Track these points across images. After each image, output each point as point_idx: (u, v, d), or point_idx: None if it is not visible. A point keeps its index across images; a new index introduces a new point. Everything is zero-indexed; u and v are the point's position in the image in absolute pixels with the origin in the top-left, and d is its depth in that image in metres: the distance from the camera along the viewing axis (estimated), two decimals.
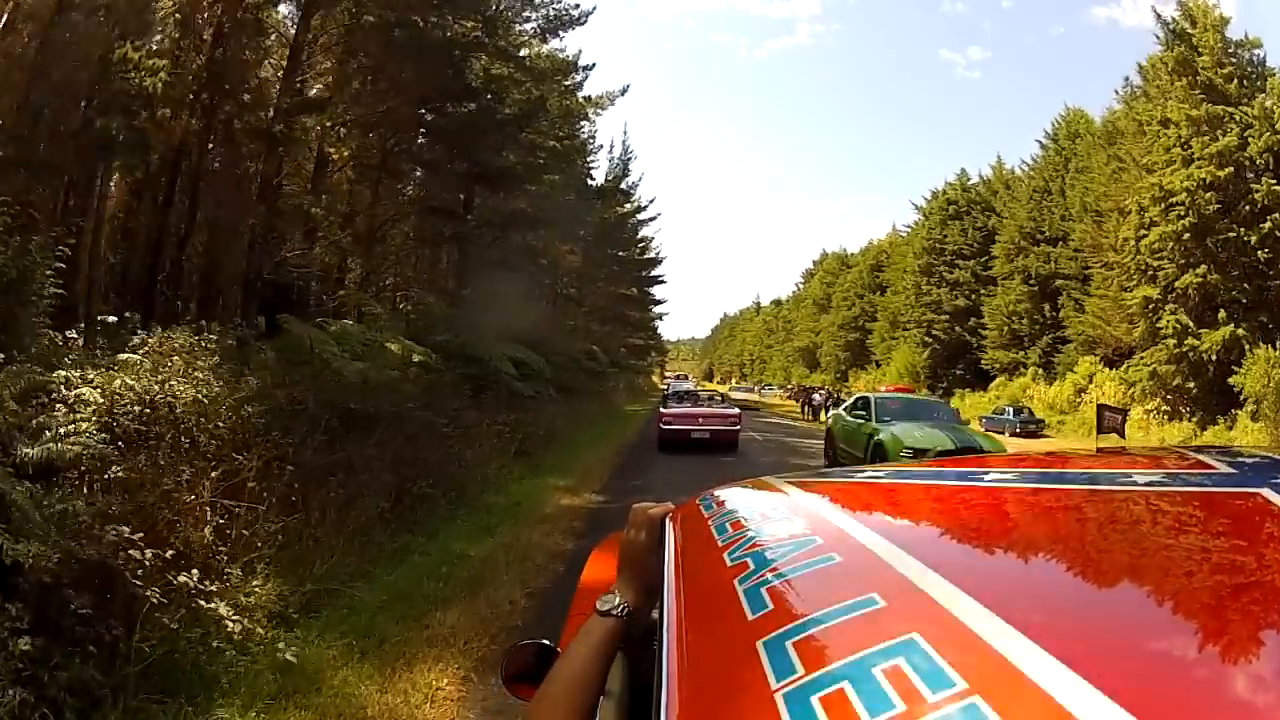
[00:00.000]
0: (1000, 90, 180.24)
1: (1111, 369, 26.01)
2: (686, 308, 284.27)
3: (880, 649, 0.41)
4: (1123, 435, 20.14)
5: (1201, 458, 0.87)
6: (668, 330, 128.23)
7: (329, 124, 14.45)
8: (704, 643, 0.56)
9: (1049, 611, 0.47)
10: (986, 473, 0.95)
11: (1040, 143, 33.51)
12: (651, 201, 46.74)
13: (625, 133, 43.89)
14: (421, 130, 14.34)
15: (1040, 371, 29.43)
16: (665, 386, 32.66)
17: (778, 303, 78.50)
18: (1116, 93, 26.95)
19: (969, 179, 37.45)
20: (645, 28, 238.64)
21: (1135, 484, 0.81)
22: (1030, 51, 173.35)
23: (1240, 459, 0.88)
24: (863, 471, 1.11)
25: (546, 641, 1.09)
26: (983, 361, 32.73)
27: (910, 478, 1.09)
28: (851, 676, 0.40)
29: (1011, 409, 22.19)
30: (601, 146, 34.45)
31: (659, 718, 0.48)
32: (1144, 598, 0.50)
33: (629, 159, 39.04)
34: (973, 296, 34.09)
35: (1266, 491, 0.63)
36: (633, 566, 0.85)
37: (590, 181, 19.42)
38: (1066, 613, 0.47)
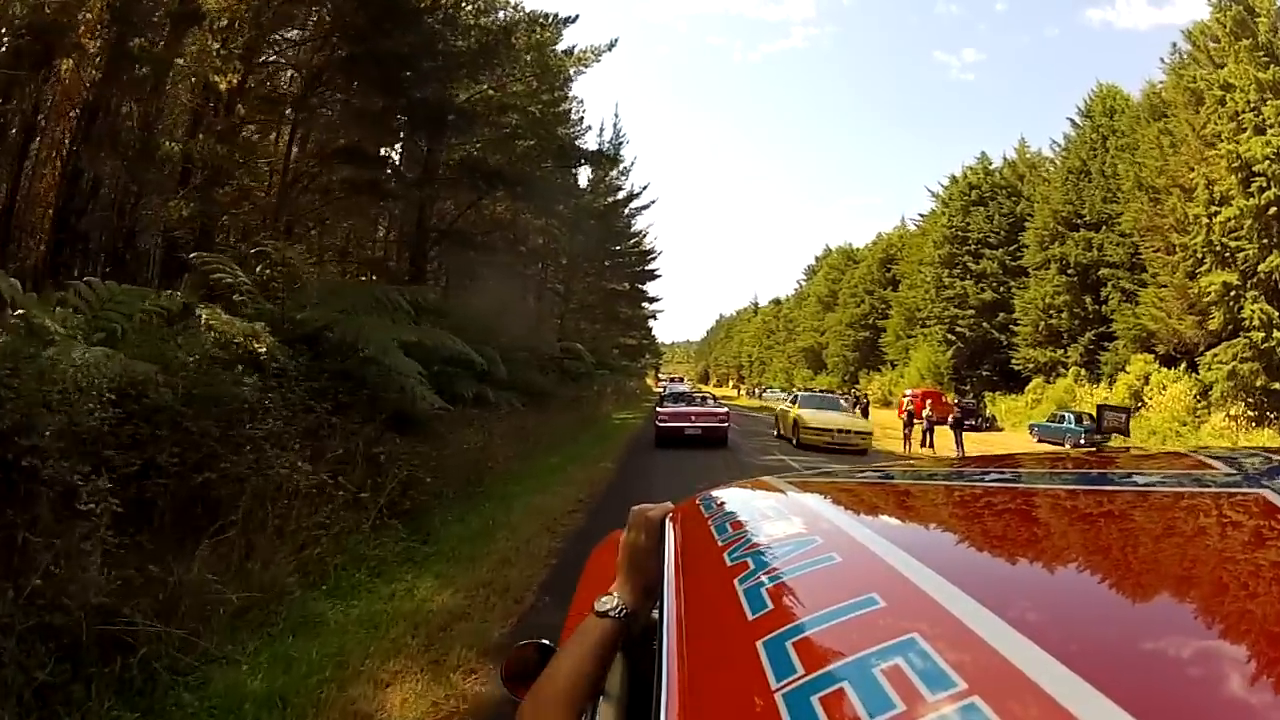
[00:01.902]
0: (995, 92, 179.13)
1: (1169, 368, 22.86)
2: (681, 310, 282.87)
3: (880, 649, 0.41)
4: (1127, 434, 17.23)
5: (1202, 459, 0.88)
6: (662, 333, 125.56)
7: (216, 46, 10.82)
8: (704, 643, 0.55)
9: (1049, 611, 0.46)
10: (987, 473, 0.96)
11: (1073, 121, 30.28)
12: (645, 188, 43.31)
13: (616, 114, 40.62)
14: (345, 59, 10.94)
15: (1083, 372, 26.19)
16: (661, 388, 31.18)
17: (777, 302, 74.93)
18: (1163, 60, 23.89)
19: (990, 163, 34.29)
20: (640, 30, 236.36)
21: (1136, 485, 0.81)
22: (1025, 53, 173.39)
23: (1241, 460, 0.87)
24: (863, 471, 1.10)
25: (546, 641, 1.09)
26: (1013, 361, 29.42)
27: (910, 478, 1.09)
28: (851, 676, 0.39)
29: (1072, 415, 18.82)
30: (590, 127, 30.97)
31: (659, 718, 0.48)
32: (1144, 598, 0.49)
33: (620, 142, 35.69)
34: (1001, 289, 30.82)
35: (1267, 493, 0.63)
36: (632, 567, 0.82)
37: (575, 146, 16.15)
38: (1066, 613, 0.47)
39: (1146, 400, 22.39)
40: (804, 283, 63.14)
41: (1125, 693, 0.33)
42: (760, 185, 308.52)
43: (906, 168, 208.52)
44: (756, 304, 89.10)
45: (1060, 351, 27.25)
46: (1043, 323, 27.62)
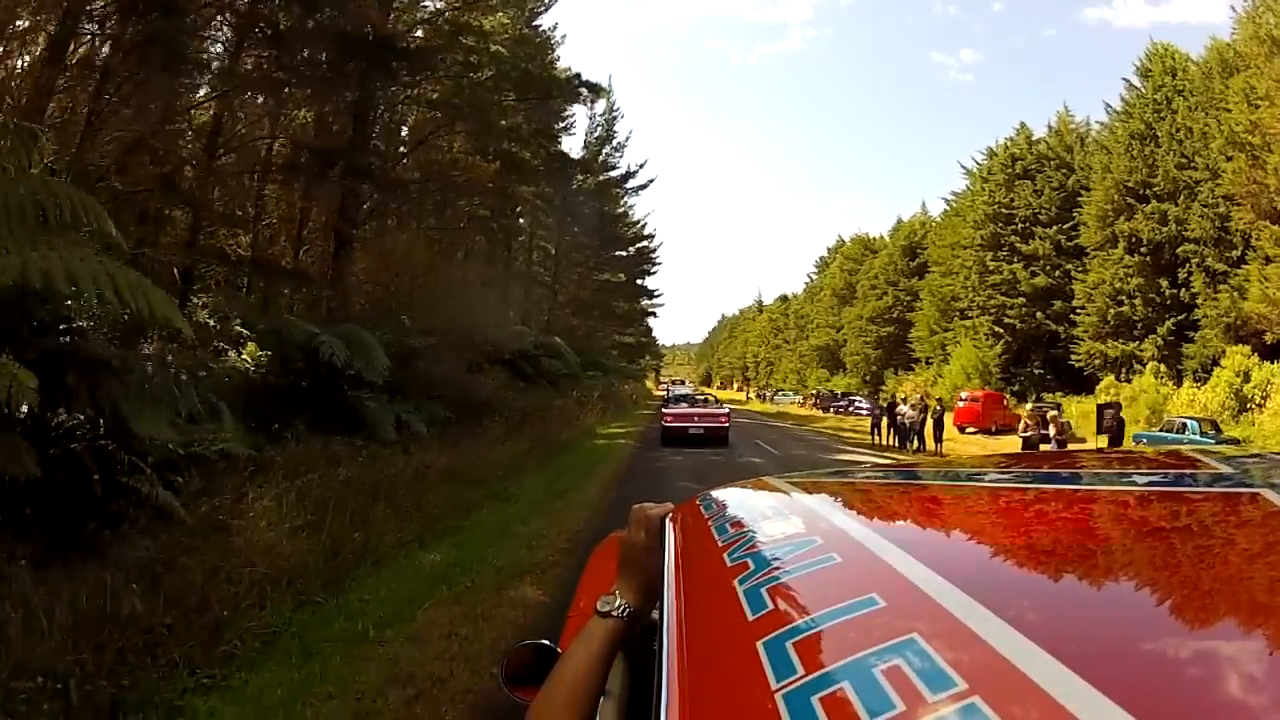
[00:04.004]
0: (993, 92, 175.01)
1: (1271, 361, 18.95)
2: (681, 313, 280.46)
3: (880, 649, 0.41)
4: (1120, 435, 16.33)
5: (1201, 458, 0.88)
6: (662, 335, 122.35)
7: None
8: (704, 643, 0.55)
9: (1049, 611, 0.46)
10: (986, 473, 0.96)
11: (1128, 82, 26.38)
12: (642, 165, 39.05)
13: (609, 87, 36.56)
14: None
15: (1162, 368, 22.14)
16: (664, 391, 30.19)
17: (784, 299, 70.61)
18: (1233, 10, 20.98)
19: (1031, 133, 30.21)
20: (635, 33, 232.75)
21: (1135, 484, 0.81)
22: (1022, 53, 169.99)
23: (1240, 460, 0.88)
24: (863, 472, 1.09)
25: (546, 642, 1.08)
26: (1073, 356, 25.27)
27: (910, 478, 1.09)
28: (851, 676, 0.39)
29: (1194, 422, 14.72)
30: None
31: (659, 718, 0.48)
32: (1144, 598, 0.49)
33: (615, 118, 31.60)
34: (1056, 273, 26.68)
35: (1266, 492, 0.63)
36: (633, 567, 0.83)
37: (543, 75, 12.17)
38: (1066, 613, 0.47)
39: (1255, 401, 18.38)
40: (815, 276, 58.77)
41: (1125, 693, 0.33)
42: (757, 187, 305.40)
43: (904, 169, 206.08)
44: (761, 302, 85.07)
45: (1133, 344, 23.16)
46: (1112, 311, 23.52)
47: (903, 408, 17.22)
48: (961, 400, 20.33)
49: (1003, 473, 0.95)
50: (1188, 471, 0.84)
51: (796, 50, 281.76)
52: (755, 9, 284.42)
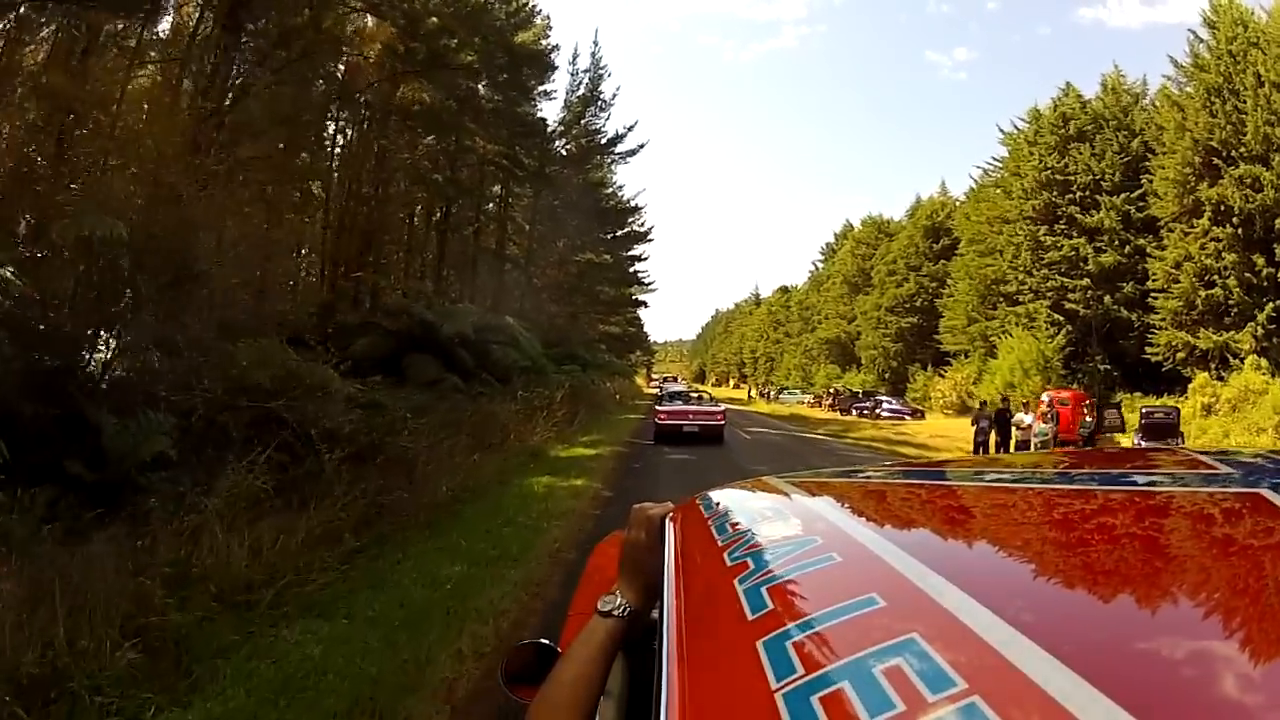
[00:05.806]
0: (987, 91, 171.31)
1: None
2: (673, 309, 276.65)
3: (880, 649, 0.40)
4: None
5: (1201, 458, 0.86)
6: (653, 331, 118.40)
7: None
8: (704, 643, 0.54)
9: (1049, 611, 0.46)
10: (986, 473, 0.95)
11: (1194, 34, 22.55)
12: (631, 128, 34.50)
13: (596, 43, 32.42)
14: None
15: (1262, 361, 18.27)
16: (657, 389, 29.52)
17: (785, 289, 66.19)
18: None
19: (1080, 94, 26.16)
20: (630, 31, 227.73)
21: (1135, 484, 0.79)
22: (1017, 52, 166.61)
23: (1240, 459, 0.86)
24: (863, 471, 1.08)
25: (546, 641, 1.06)
26: (1148, 347, 21.29)
27: (910, 477, 1.07)
28: (851, 676, 0.39)
29: None
30: (558, 47, 22.74)
31: (659, 718, 0.47)
32: (1144, 598, 0.49)
33: (600, 75, 27.16)
34: (1125, 249, 22.64)
35: (1266, 491, 0.62)
36: (633, 566, 0.82)
37: None
38: (1066, 613, 0.46)
39: None
40: (821, 264, 54.37)
41: (1125, 692, 0.33)
42: (750, 185, 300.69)
43: (898, 167, 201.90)
44: (758, 294, 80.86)
45: (1227, 334, 19.22)
46: (1201, 293, 19.56)
47: (1023, 417, 12.58)
48: (1044, 401, 16.42)
49: (1003, 472, 0.95)
50: (1188, 471, 0.83)
51: (790, 48, 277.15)
52: (749, 6, 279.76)
